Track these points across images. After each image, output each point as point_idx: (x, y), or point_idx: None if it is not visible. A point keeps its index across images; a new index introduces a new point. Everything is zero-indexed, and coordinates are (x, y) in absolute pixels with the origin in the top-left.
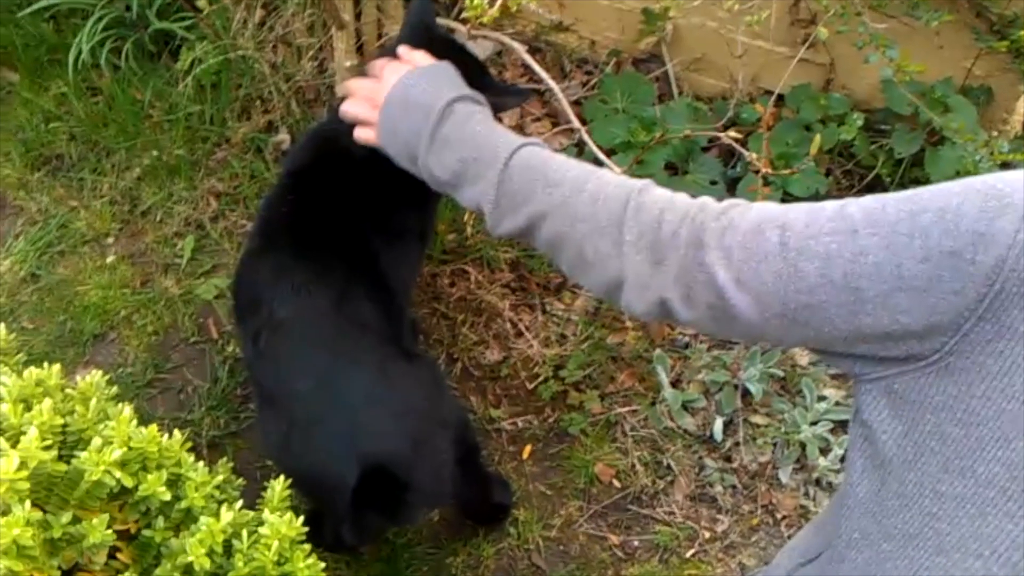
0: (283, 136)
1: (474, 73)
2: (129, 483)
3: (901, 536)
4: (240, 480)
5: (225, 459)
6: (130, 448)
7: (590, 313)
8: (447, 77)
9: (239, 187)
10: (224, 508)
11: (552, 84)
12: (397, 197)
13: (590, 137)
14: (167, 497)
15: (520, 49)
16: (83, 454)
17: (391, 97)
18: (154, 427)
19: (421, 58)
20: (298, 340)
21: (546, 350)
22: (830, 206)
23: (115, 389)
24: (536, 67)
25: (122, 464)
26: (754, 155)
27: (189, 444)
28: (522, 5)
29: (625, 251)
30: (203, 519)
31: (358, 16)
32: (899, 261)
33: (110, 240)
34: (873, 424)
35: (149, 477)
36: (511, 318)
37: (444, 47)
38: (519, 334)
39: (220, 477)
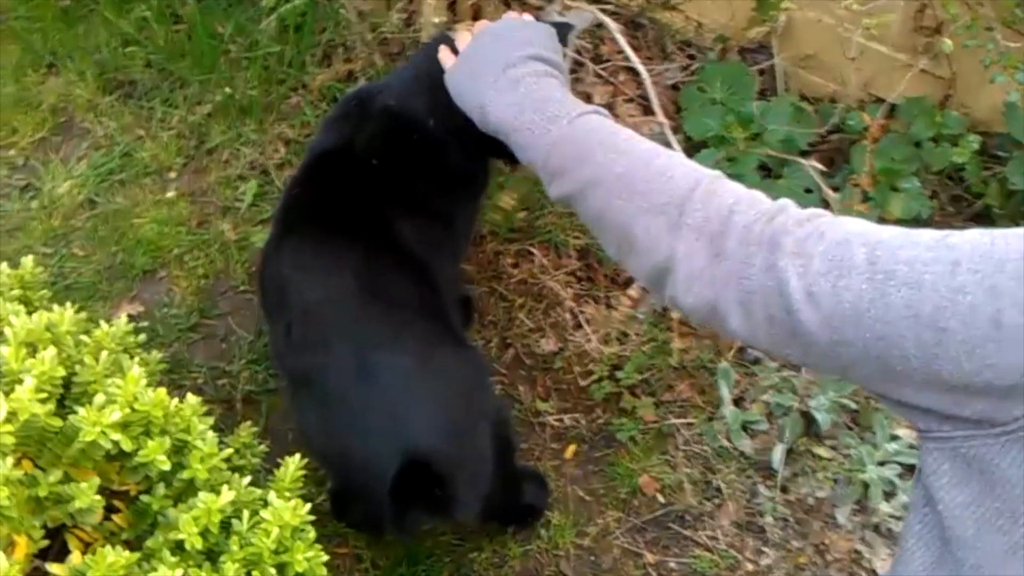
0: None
1: None
2: (128, 447)
3: None
4: (262, 447)
5: (249, 423)
6: (134, 410)
7: (657, 313)
8: (547, 39)
9: (309, 135)
10: (228, 485)
11: (642, 69)
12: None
13: (682, 126)
14: (167, 467)
15: (614, 27)
16: (81, 411)
17: (485, 31)
18: (163, 391)
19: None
20: (331, 324)
21: (605, 347)
22: (930, 233)
23: (143, 336)
24: (628, 49)
25: (124, 426)
26: (837, 196)
27: (204, 409)
28: None
29: (684, 234)
30: (202, 494)
31: None
32: (999, 306)
33: (172, 175)
34: (934, 490)
35: (150, 443)
36: (572, 308)
37: None
38: (578, 326)
39: (230, 450)
